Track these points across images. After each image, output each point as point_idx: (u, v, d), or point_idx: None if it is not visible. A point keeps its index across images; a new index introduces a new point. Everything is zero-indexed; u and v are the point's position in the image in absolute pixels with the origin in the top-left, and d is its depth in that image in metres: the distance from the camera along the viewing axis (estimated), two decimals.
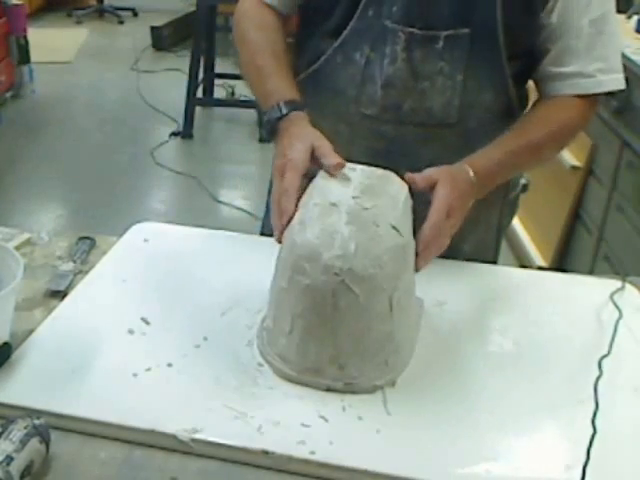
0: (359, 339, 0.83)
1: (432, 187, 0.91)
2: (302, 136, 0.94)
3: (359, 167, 0.91)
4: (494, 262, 1.28)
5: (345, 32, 1.06)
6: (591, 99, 1.09)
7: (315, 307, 0.82)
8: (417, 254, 0.88)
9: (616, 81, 1.09)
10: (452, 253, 1.05)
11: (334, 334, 0.83)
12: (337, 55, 1.08)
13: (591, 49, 1.05)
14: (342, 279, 0.80)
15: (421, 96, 1.05)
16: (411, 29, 1.02)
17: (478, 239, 1.22)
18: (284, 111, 0.99)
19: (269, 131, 1.02)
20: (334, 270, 0.80)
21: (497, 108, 1.09)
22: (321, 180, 0.89)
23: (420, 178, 0.92)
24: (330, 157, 0.89)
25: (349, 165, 0.91)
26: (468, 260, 1.14)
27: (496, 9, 1.01)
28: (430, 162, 0.97)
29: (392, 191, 0.88)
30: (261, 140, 3.85)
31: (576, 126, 1.12)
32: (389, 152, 1.08)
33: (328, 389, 0.84)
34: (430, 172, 0.93)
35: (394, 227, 0.84)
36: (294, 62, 1.14)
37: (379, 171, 0.91)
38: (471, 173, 0.96)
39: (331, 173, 0.88)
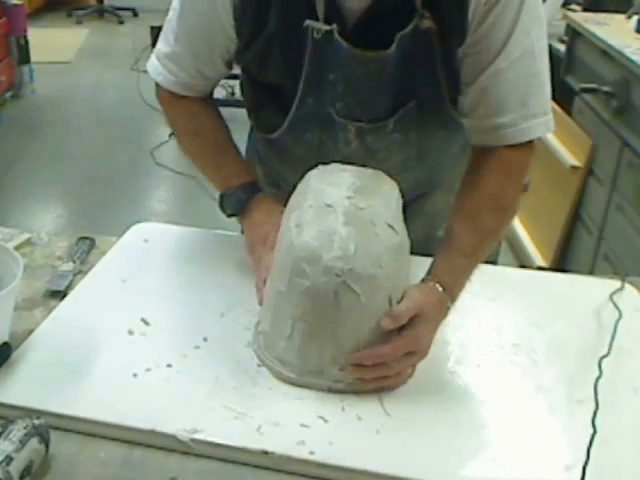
0: (360, 339, 0.83)
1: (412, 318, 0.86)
2: (270, 226, 0.97)
3: (348, 167, 0.91)
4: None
5: (289, 117, 1.04)
6: (526, 145, 1.00)
7: (316, 309, 0.82)
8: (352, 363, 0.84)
9: (539, 126, 0.99)
10: (430, 243, 1.08)
11: (335, 335, 0.83)
12: (288, 135, 1.07)
13: (511, 97, 0.97)
14: (343, 280, 0.80)
15: (380, 162, 1.04)
16: (359, 123, 1.01)
17: None
18: (246, 195, 1.06)
19: (236, 209, 1.07)
20: (335, 271, 0.80)
21: (449, 134, 1.09)
22: (313, 181, 0.89)
23: (400, 317, 0.85)
24: None
25: (338, 166, 0.91)
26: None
27: (438, 73, 0.97)
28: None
29: (384, 190, 0.89)
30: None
31: (520, 178, 1.02)
32: None
33: (330, 390, 0.84)
34: (411, 305, 0.86)
35: (390, 226, 0.84)
36: (252, 117, 1.14)
37: (368, 170, 0.92)
38: (445, 296, 0.90)
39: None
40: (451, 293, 0.91)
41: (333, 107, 1.00)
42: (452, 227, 0.98)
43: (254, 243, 1.02)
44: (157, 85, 1.10)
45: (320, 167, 0.92)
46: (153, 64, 1.09)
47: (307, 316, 0.83)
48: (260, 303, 0.94)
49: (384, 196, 0.87)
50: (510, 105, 0.97)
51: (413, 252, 1.01)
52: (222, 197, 1.09)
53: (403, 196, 0.94)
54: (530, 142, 1.00)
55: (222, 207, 1.10)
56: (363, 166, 0.93)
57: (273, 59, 0.99)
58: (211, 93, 1.14)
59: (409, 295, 0.87)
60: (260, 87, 1.07)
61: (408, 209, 1.05)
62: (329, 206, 0.84)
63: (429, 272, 0.92)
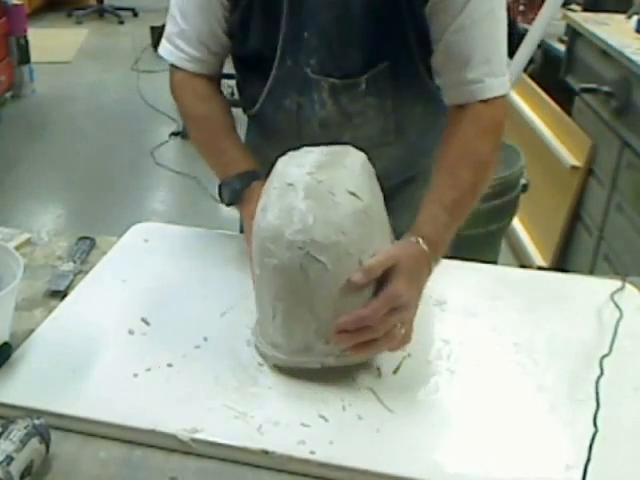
0: (338, 308, 0.83)
1: (388, 272, 0.85)
2: None
3: (316, 148, 0.92)
4: (456, 243, 1.28)
5: (269, 81, 1.08)
6: (497, 101, 1.02)
7: (287, 285, 0.84)
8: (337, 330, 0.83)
9: (501, 85, 1.03)
10: None
11: (312, 308, 0.83)
12: (269, 102, 1.10)
13: (476, 53, 1.00)
14: (307, 251, 0.81)
15: (357, 129, 1.08)
16: (332, 79, 1.05)
17: None
18: (242, 184, 1.06)
19: (231, 198, 1.07)
20: (297, 245, 0.81)
21: (428, 112, 1.12)
22: (280, 165, 0.90)
23: (374, 271, 0.84)
24: None
25: (307, 148, 0.92)
26: None
27: (408, 34, 1.01)
28: (378, 176, 0.97)
29: (348, 161, 0.89)
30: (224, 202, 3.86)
31: (495, 134, 1.05)
32: None
33: (322, 365, 0.85)
34: (385, 260, 0.85)
35: (352, 193, 0.84)
36: (240, 99, 1.19)
37: (337, 147, 0.93)
38: (428, 250, 0.90)
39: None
40: (434, 246, 0.90)
41: (308, 66, 1.05)
42: (432, 184, 1.00)
43: (249, 233, 1.01)
44: (170, 73, 1.15)
45: (290, 152, 0.93)
46: (164, 47, 1.13)
47: (281, 294, 0.84)
48: None
49: (347, 167, 0.88)
50: (475, 61, 1.01)
51: None
52: (220, 186, 1.10)
53: (388, 178, 0.96)
54: (501, 101, 1.03)
55: (220, 196, 1.10)
56: (335, 143, 0.94)
57: (254, 22, 1.05)
58: (219, 81, 1.17)
59: (384, 250, 0.86)
60: (243, 60, 1.13)
61: (397, 200, 1.07)
62: (290, 185, 0.85)
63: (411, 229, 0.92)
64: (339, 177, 0.85)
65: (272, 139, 1.16)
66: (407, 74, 1.05)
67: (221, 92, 1.17)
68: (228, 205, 1.09)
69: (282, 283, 0.84)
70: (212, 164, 1.14)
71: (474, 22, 1.00)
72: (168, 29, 1.12)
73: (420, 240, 0.90)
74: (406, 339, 0.86)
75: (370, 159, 0.96)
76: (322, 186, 0.84)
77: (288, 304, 0.85)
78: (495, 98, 1.03)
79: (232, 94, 4.62)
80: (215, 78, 1.16)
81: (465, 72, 1.01)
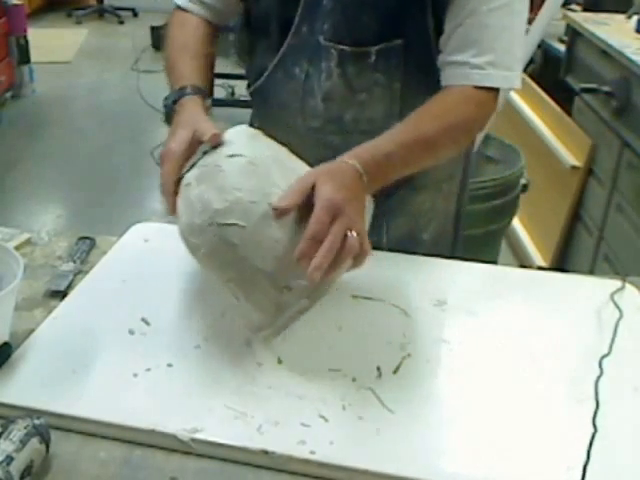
0: (278, 252, 0.84)
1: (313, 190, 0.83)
2: (186, 122, 0.94)
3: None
4: (453, 250, 1.30)
5: (283, 49, 1.07)
6: (489, 94, 1.03)
7: (223, 263, 0.86)
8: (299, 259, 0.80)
9: (504, 79, 1.02)
10: (412, 244, 1.12)
11: (256, 268, 0.84)
12: (278, 71, 1.09)
13: (483, 40, 1.01)
14: (216, 223, 0.83)
15: (361, 107, 1.07)
16: (342, 46, 1.03)
17: (437, 228, 1.24)
18: (176, 96, 1.01)
19: (166, 116, 1.03)
20: (207, 223, 0.84)
21: None
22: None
23: (293, 192, 0.83)
24: (207, 133, 0.88)
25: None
26: (427, 253, 1.14)
27: (427, 17, 1.01)
28: None
29: (226, 138, 0.91)
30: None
31: (472, 121, 1.04)
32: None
33: (302, 312, 0.89)
34: (304, 178, 0.85)
35: (231, 155, 0.86)
36: (246, 73, 1.18)
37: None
38: (357, 165, 0.87)
39: (212, 145, 0.89)
40: (367, 166, 0.87)
41: (322, 32, 1.04)
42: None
43: (170, 133, 0.97)
44: (172, 14, 1.15)
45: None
46: None
47: (225, 274, 0.86)
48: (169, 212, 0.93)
49: (225, 143, 0.90)
50: (481, 47, 1.00)
51: (394, 250, 1.05)
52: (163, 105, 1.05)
53: None
54: (494, 94, 1.03)
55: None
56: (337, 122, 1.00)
57: None
58: (216, 33, 1.15)
59: (311, 170, 0.88)
60: (256, 23, 1.11)
61: (392, 204, 1.06)
62: (188, 184, 0.89)
63: None
64: (220, 152, 0.89)
65: (275, 116, 1.14)
66: (420, 59, 1.04)
67: (214, 34, 1.15)
68: (168, 123, 1.02)
69: (219, 264, 0.86)
70: (169, 84, 1.08)
71: (490, 11, 0.99)
72: None
73: (351, 161, 0.87)
74: (366, 249, 0.83)
75: None
76: (208, 167, 0.88)
77: (237, 280, 0.86)
78: (491, 89, 1.02)
79: (232, 94, 4.62)
80: (214, 28, 1.15)
81: (469, 56, 1.01)
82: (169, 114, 1.01)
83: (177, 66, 1.07)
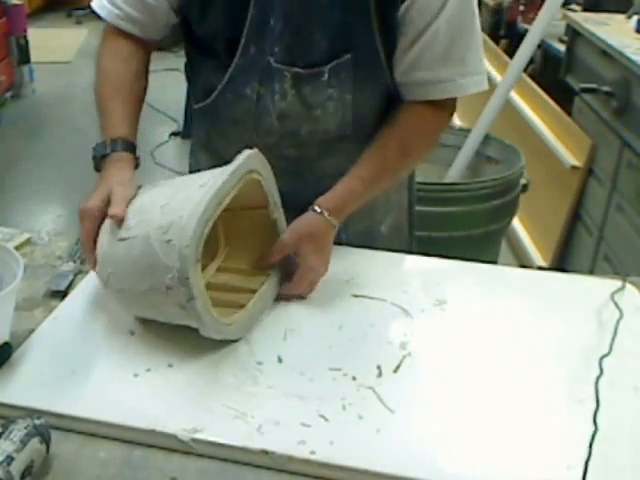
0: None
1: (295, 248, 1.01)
2: (106, 181, 0.98)
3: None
4: (410, 243, 1.34)
5: (231, 69, 1.05)
6: (453, 100, 1.08)
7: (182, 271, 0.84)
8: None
9: (475, 84, 1.06)
10: (371, 239, 1.19)
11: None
12: (227, 91, 1.07)
13: (448, 52, 1.02)
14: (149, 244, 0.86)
15: (315, 122, 1.07)
16: (296, 69, 1.03)
17: (393, 221, 1.27)
18: (105, 151, 1.03)
19: (95, 167, 1.05)
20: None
21: (386, 108, 1.11)
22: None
23: (277, 253, 1.01)
24: (113, 206, 0.92)
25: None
26: (386, 247, 1.17)
27: (373, 28, 1.01)
28: (334, 171, 1.06)
29: None
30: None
31: (437, 136, 1.15)
32: (295, 170, 1.12)
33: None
34: (287, 242, 1.01)
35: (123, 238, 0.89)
36: (191, 89, 1.17)
37: None
38: (330, 218, 1.02)
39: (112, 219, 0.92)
40: (338, 214, 1.03)
41: (272, 55, 1.03)
42: (359, 159, 1.06)
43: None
44: (103, 31, 1.13)
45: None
46: (98, 1, 1.11)
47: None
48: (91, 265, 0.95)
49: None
50: (451, 60, 1.03)
51: (354, 244, 1.11)
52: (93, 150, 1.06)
53: (343, 175, 1.04)
54: (453, 102, 1.09)
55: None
56: (293, 137, 1.04)
57: (218, 3, 1.02)
58: (149, 52, 1.14)
59: (289, 227, 1.02)
60: (200, 43, 1.09)
61: None
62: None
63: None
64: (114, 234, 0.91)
65: (227, 132, 1.13)
66: (369, 68, 1.05)
67: (147, 60, 1.13)
68: (96, 170, 1.05)
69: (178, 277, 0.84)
70: (100, 123, 1.10)
71: (451, 22, 1.00)
72: None
73: (325, 213, 1.02)
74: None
75: (327, 155, 1.03)
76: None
77: (195, 289, 0.85)
78: (448, 98, 1.07)
79: None
80: (146, 48, 1.12)
81: (438, 71, 1.03)
82: (97, 165, 1.04)
83: (108, 110, 1.08)
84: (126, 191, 0.94)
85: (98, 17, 1.12)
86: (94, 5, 1.11)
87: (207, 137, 1.22)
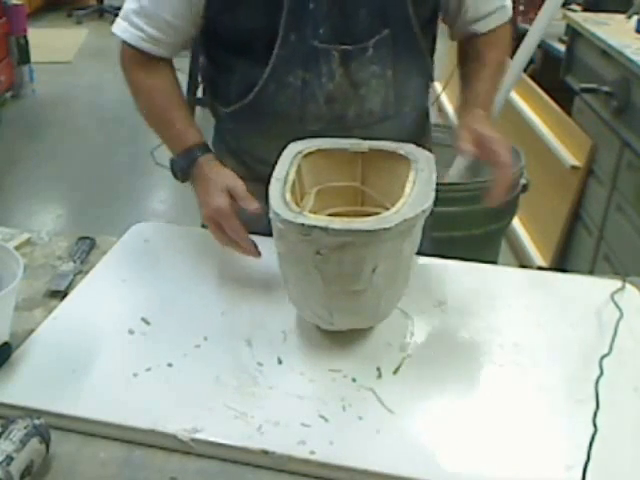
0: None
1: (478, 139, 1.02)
2: (215, 181, 1.02)
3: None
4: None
5: (271, 60, 1.06)
6: (506, 27, 1.21)
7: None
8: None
9: (509, 9, 1.21)
10: None
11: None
12: (270, 83, 1.08)
13: None
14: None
15: (362, 101, 1.10)
16: (343, 46, 1.05)
17: None
18: (188, 162, 1.06)
19: (182, 177, 1.09)
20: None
21: (423, 87, 1.18)
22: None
23: (470, 140, 1.01)
24: (246, 200, 0.99)
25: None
26: None
27: (407, 4, 1.06)
28: None
29: None
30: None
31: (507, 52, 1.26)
32: None
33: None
34: (469, 129, 1.03)
35: None
36: (220, 93, 1.18)
37: None
38: (482, 112, 1.08)
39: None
40: (487, 110, 1.10)
41: (316, 37, 1.04)
42: (474, 72, 1.16)
43: (202, 194, 1.04)
44: (122, 49, 1.12)
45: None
46: (119, 24, 1.10)
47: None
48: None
49: None
50: None
51: None
52: (171, 164, 1.11)
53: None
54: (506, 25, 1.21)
55: (173, 172, 1.11)
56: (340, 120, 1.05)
57: (249, 3, 1.03)
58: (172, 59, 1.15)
59: (464, 125, 1.05)
60: (231, 46, 1.09)
61: None
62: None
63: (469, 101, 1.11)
64: None
65: (268, 129, 1.13)
66: (405, 44, 1.09)
67: (172, 66, 1.15)
68: (182, 182, 1.10)
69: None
70: (161, 137, 1.13)
71: None
72: (126, 7, 1.09)
73: (482, 111, 1.08)
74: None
75: (369, 139, 1.03)
76: None
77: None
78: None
79: None
80: (173, 66, 1.15)
81: (493, 2, 1.16)
82: (184, 176, 1.08)
83: (170, 121, 1.10)
84: (243, 185, 1.00)
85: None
86: (115, 30, 1.10)
87: (236, 142, 1.21)
